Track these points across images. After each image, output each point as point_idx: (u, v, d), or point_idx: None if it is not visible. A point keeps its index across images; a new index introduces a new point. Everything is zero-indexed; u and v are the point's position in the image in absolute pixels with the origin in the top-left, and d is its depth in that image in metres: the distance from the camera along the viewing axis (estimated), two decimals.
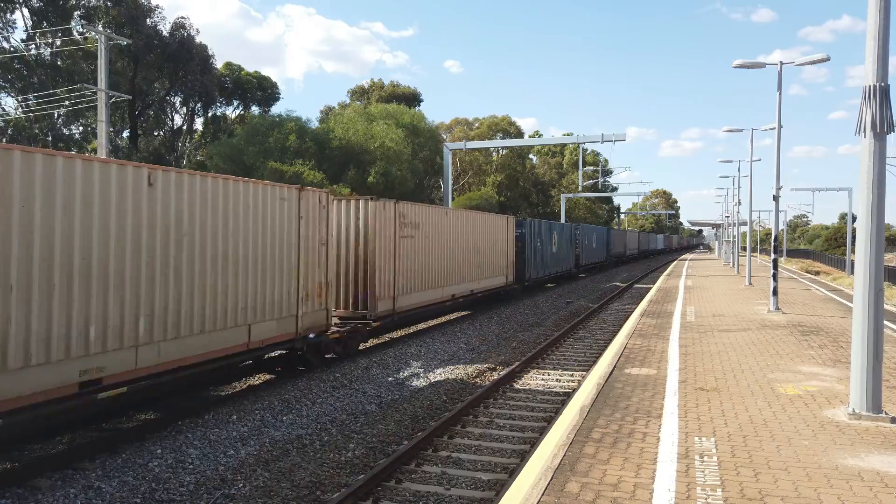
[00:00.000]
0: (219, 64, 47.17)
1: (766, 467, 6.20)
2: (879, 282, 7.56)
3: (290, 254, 12.22)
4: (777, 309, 18.89)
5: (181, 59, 40.85)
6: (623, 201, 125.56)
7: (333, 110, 56.62)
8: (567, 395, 11.97)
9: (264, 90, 50.66)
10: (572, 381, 13.31)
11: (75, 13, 37.91)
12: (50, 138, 36.07)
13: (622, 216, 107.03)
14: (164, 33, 40.60)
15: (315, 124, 41.60)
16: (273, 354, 12.83)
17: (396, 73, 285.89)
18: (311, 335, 12.96)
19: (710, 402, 8.58)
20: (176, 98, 45.84)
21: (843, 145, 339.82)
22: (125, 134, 43.03)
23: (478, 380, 13.70)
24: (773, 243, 20.32)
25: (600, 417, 7.89)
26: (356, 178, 36.99)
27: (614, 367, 10.91)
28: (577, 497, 5.52)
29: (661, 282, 33.35)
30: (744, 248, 58.64)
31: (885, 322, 12.13)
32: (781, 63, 18.61)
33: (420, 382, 13.29)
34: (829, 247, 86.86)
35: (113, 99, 25.62)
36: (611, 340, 16.13)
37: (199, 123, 49.50)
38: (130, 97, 34.38)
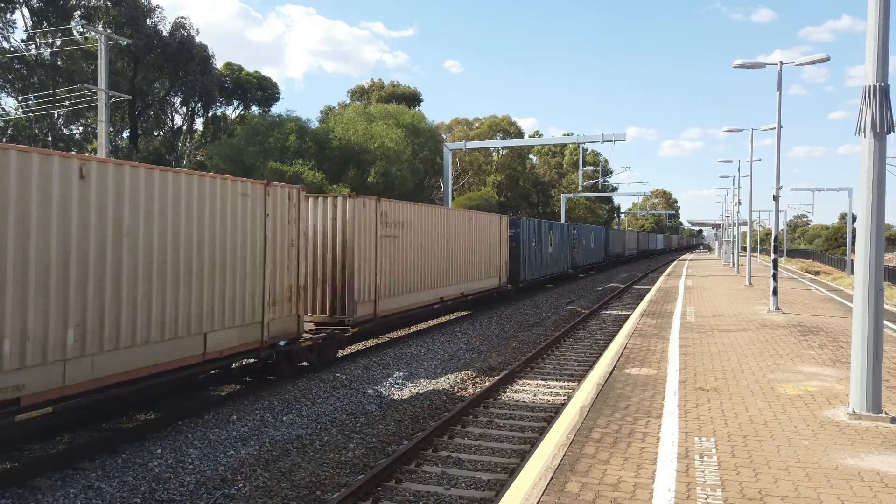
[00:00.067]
0: (219, 64, 47.22)
1: (766, 467, 6.20)
2: (879, 282, 7.56)
3: (254, 255, 11.27)
4: (777, 309, 18.90)
5: (181, 59, 40.86)
6: (623, 201, 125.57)
7: (333, 110, 56.63)
8: (567, 396, 11.97)
9: (264, 90, 50.67)
10: (572, 380, 13.31)
11: (75, 13, 37.93)
12: (50, 138, 36.08)
13: (622, 216, 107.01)
14: (164, 33, 40.61)
15: (315, 124, 41.61)
16: (241, 363, 12.04)
17: (396, 73, 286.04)
18: (282, 342, 12.07)
19: (710, 402, 8.58)
20: (176, 98, 45.87)
21: (843, 145, 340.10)
22: (125, 134, 43.04)
23: (478, 379, 13.70)
24: (773, 243, 20.32)
25: (600, 417, 7.89)
26: (356, 178, 36.98)
27: (614, 367, 10.91)
28: (576, 497, 5.52)
29: (660, 282, 33.35)
30: (744, 248, 58.63)
31: (885, 322, 12.13)
32: (781, 63, 18.61)
33: (420, 382, 13.29)
34: (829, 247, 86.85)
35: (113, 99, 25.63)
36: (611, 340, 16.13)
37: (199, 123, 49.59)
38: (130, 97, 34.38)
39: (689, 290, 26.96)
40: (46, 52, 36.05)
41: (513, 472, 7.95)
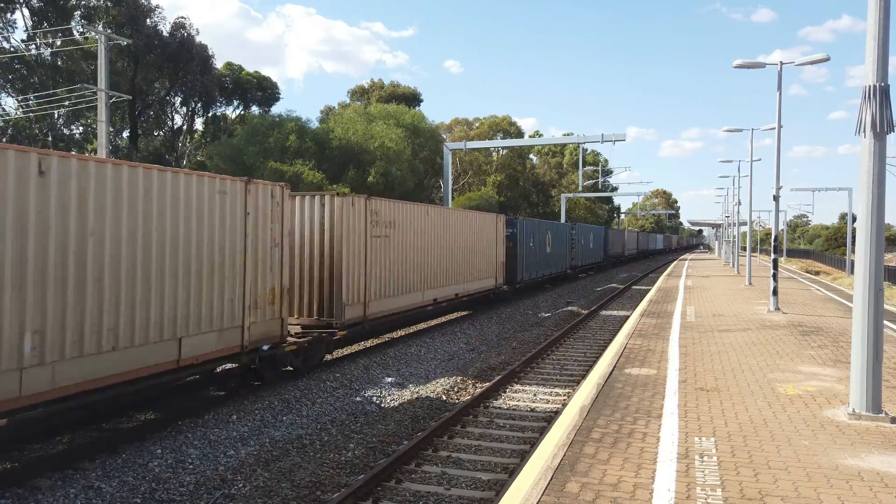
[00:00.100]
0: (219, 64, 47.23)
1: (766, 467, 6.20)
2: (879, 282, 7.56)
3: (233, 256, 10.74)
4: (777, 309, 18.90)
5: (181, 59, 40.86)
6: (623, 201, 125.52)
7: (333, 110, 56.64)
8: (567, 395, 11.97)
9: (264, 90, 50.68)
10: (572, 380, 13.31)
11: (75, 13, 37.93)
12: (50, 139, 36.09)
13: (622, 216, 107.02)
14: (164, 33, 40.62)
15: (315, 124, 41.64)
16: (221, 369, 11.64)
17: (396, 73, 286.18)
18: (266, 347, 11.60)
19: (710, 402, 8.58)
20: (176, 98, 45.88)
21: (843, 145, 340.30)
22: (125, 134, 43.05)
23: (478, 379, 13.70)
24: (773, 243, 20.32)
25: (600, 417, 7.89)
26: (356, 178, 37.00)
27: (614, 367, 10.91)
28: (576, 497, 5.52)
29: (660, 282, 33.35)
30: (744, 248, 58.64)
31: (885, 322, 12.13)
32: (781, 63, 18.61)
33: (420, 382, 13.29)
34: (829, 247, 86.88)
35: (113, 99, 25.63)
36: (611, 340, 16.13)
37: (199, 123, 49.61)
38: (130, 97, 34.39)
39: (689, 290, 26.96)
40: (46, 52, 36.06)
41: (513, 472, 7.95)
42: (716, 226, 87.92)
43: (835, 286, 31.61)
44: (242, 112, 50.87)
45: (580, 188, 63.44)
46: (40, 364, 7.64)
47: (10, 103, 37.31)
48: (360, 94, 63.91)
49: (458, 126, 69.91)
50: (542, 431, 9.58)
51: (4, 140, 33.65)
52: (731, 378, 10.03)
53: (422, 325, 20.37)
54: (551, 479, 5.91)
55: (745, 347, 12.79)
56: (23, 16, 36.76)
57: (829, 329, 15.37)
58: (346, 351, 15.90)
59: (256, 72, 52.03)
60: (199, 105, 46.88)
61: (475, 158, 64.42)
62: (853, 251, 36.28)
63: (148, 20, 39.66)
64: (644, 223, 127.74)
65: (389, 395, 12.23)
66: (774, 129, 19.91)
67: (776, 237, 20.39)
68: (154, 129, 47.05)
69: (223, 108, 50.15)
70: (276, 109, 50.29)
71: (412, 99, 60.97)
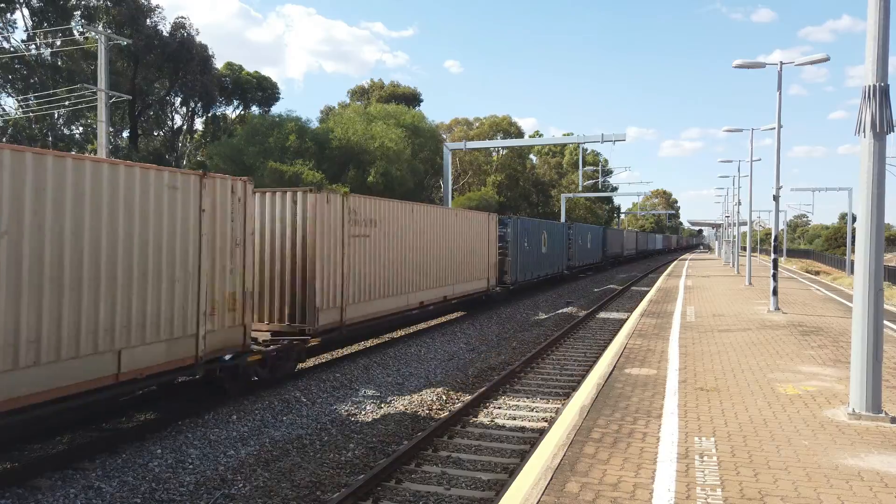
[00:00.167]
0: (219, 64, 47.24)
1: (766, 467, 6.20)
2: (879, 282, 7.56)
3: (185, 258, 9.74)
4: (777, 309, 18.90)
5: (181, 59, 40.87)
6: (623, 201, 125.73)
7: (333, 110, 56.65)
8: (567, 395, 11.97)
9: (264, 90, 50.69)
10: (572, 380, 13.31)
11: (75, 13, 37.94)
12: (50, 139, 36.10)
13: (622, 216, 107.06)
14: (164, 33, 40.62)
15: (315, 124, 41.63)
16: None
17: (396, 73, 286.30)
18: (228, 357, 10.69)
19: (709, 402, 8.58)
20: (176, 98, 45.89)
21: (843, 145, 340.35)
22: (125, 134, 43.06)
23: (478, 380, 13.70)
24: (773, 243, 20.33)
25: (600, 417, 7.89)
26: (356, 178, 37.00)
27: (614, 366, 10.91)
28: (576, 497, 5.52)
29: (660, 282, 33.35)
30: (744, 248, 58.66)
31: (885, 322, 12.13)
32: (781, 63, 18.62)
33: (420, 382, 13.29)
34: (829, 247, 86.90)
35: (113, 99, 25.63)
36: (610, 340, 16.13)
37: (199, 123, 49.64)
38: (130, 97, 34.39)
39: (689, 290, 26.96)
40: (46, 52, 36.06)
41: (513, 472, 7.95)
42: (716, 226, 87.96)
43: (835, 286, 31.61)
44: (242, 112, 50.89)
45: (580, 188, 63.43)
46: None
47: (10, 103, 37.38)
48: (360, 94, 63.93)
49: (458, 126, 69.94)
50: (542, 431, 9.58)
51: (4, 140, 33.65)
52: (731, 378, 10.03)
53: (421, 326, 20.36)
54: (551, 478, 5.91)
55: (745, 347, 12.79)
56: (23, 16, 36.81)
57: (829, 329, 15.38)
58: (346, 351, 15.91)
59: (256, 72, 52.07)
60: (199, 105, 46.89)
61: (475, 158, 64.44)
62: (853, 251, 36.28)
63: (148, 20, 39.67)
64: (644, 223, 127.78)
65: (390, 394, 12.23)
66: (774, 129, 19.92)
67: (776, 237, 20.40)
68: (154, 129, 47.07)
69: (223, 108, 50.23)
70: (276, 109, 50.37)
71: (412, 99, 60.99)
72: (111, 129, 33.61)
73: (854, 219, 45.66)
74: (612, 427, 7.49)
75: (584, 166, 60.22)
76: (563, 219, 54.81)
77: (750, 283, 29.92)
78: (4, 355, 7.23)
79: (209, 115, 48.43)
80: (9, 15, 35.74)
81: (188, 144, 47.66)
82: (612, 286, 38.73)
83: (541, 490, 5.65)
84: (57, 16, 36.15)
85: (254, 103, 50.88)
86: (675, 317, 17.87)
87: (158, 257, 9.28)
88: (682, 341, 13.59)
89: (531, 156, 76.59)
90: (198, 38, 42.31)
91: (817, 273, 49.13)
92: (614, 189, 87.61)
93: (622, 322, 20.73)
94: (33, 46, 35.93)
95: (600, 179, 75.37)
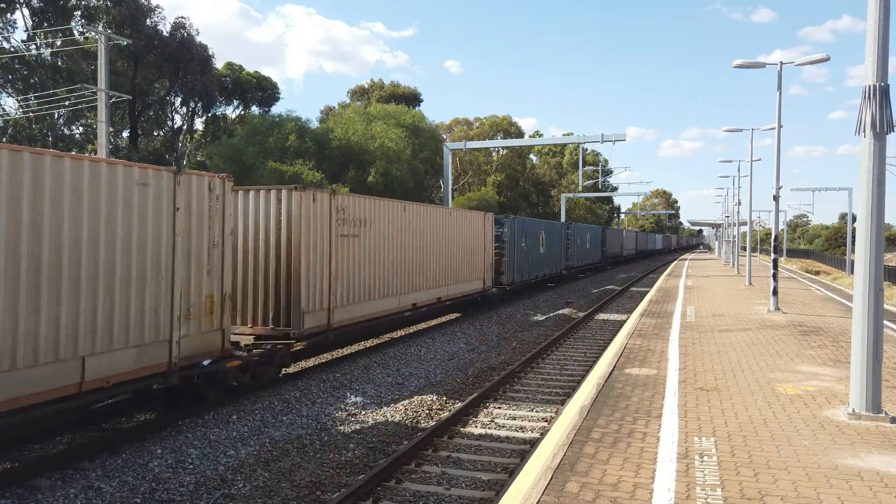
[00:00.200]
0: (219, 64, 47.25)
1: (766, 467, 6.21)
2: (879, 282, 7.56)
3: (157, 259, 9.26)
4: (777, 309, 18.90)
5: (181, 59, 40.88)
6: (623, 201, 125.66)
7: (333, 110, 56.68)
8: (567, 395, 11.97)
9: (264, 90, 50.71)
10: (572, 380, 13.31)
11: (75, 13, 37.95)
12: (50, 139, 36.10)
13: (622, 216, 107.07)
14: (164, 33, 40.63)
15: (315, 124, 41.66)
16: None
17: (396, 73, 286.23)
18: (206, 362, 10.21)
19: (709, 402, 8.58)
20: (176, 98, 45.91)
21: (843, 145, 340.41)
22: (125, 134, 43.07)
23: (478, 379, 13.70)
24: (773, 243, 20.33)
25: (600, 417, 7.89)
26: (356, 179, 37.03)
27: (614, 366, 10.91)
28: (576, 497, 5.52)
29: (660, 282, 33.36)
30: (744, 248, 58.65)
31: (885, 322, 12.13)
32: (781, 63, 18.62)
33: (421, 382, 13.30)
34: (829, 247, 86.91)
35: (113, 99, 25.64)
36: (610, 340, 16.13)
37: (199, 123, 49.67)
38: (130, 97, 34.40)
39: (689, 290, 26.97)
40: (46, 52, 36.07)
41: (513, 472, 7.95)
42: (716, 226, 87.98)
43: (835, 286, 31.62)
44: (242, 112, 50.91)
45: (580, 188, 63.44)
46: None
47: (10, 103, 37.38)
48: (360, 94, 63.97)
49: (458, 126, 69.96)
50: (543, 431, 9.58)
51: (4, 140, 33.66)
52: (731, 378, 10.03)
53: (421, 326, 20.36)
54: (551, 478, 5.91)
55: (745, 347, 12.79)
56: (23, 16, 36.81)
57: (829, 329, 15.38)
58: (346, 351, 15.91)
59: (256, 72, 52.09)
60: (199, 105, 46.91)
61: (475, 158, 64.47)
62: (853, 251, 36.26)
63: (148, 20, 39.68)
64: (644, 223, 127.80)
65: (390, 394, 12.24)
66: (774, 129, 19.92)
67: (776, 237, 20.40)
68: (154, 129, 47.08)
69: (223, 108, 50.27)
70: (276, 109, 50.39)
71: (412, 99, 61.02)
72: (111, 129, 33.60)
73: (854, 219, 45.66)
74: (612, 427, 7.50)
75: (584, 166, 60.22)
76: (563, 219, 54.72)
77: (750, 283, 29.93)
78: None
79: (209, 115, 48.47)
80: (9, 15, 35.76)
81: (188, 144, 47.68)
82: (611, 286, 38.69)
83: (541, 490, 5.65)
84: (57, 16, 36.16)
85: (254, 103, 50.91)
86: (675, 317, 17.88)
87: (127, 258, 8.79)
88: (682, 341, 13.59)
89: (531, 156, 76.62)
90: (198, 38, 42.36)
91: (817, 273, 49.14)
92: (614, 189, 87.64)
93: (622, 322, 20.74)
94: (33, 46, 35.94)
95: (600, 179, 75.39)
